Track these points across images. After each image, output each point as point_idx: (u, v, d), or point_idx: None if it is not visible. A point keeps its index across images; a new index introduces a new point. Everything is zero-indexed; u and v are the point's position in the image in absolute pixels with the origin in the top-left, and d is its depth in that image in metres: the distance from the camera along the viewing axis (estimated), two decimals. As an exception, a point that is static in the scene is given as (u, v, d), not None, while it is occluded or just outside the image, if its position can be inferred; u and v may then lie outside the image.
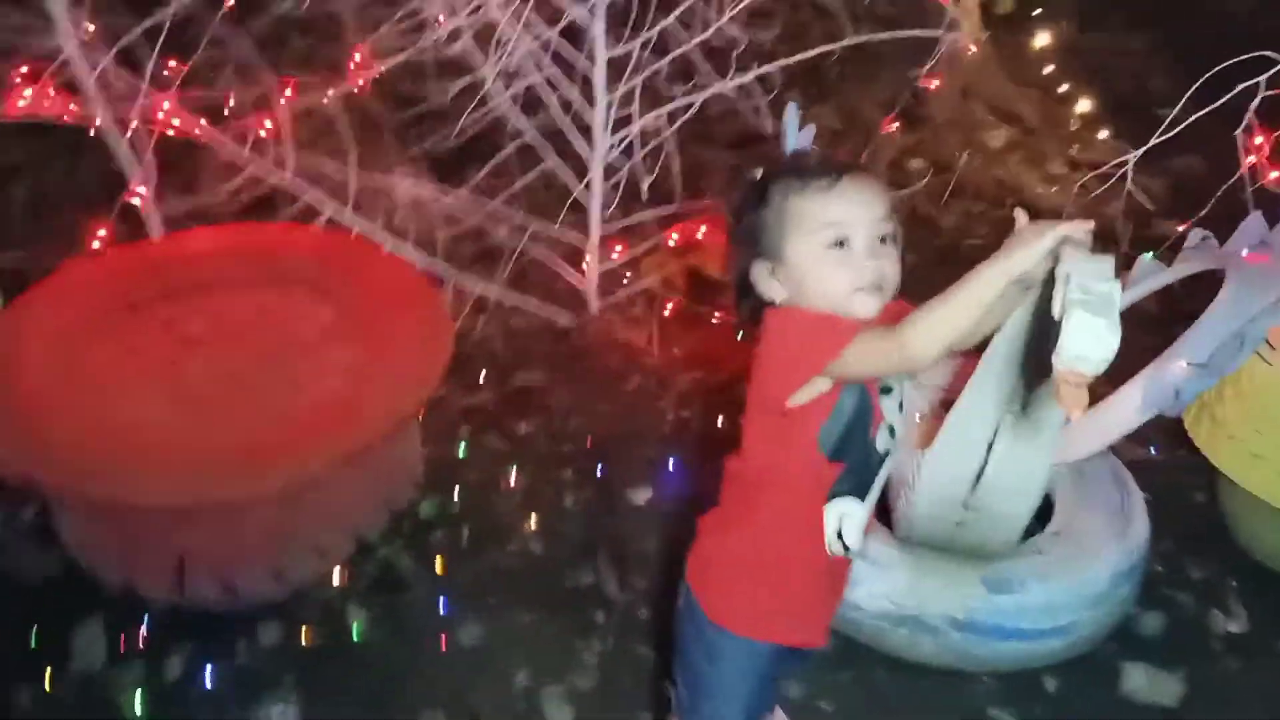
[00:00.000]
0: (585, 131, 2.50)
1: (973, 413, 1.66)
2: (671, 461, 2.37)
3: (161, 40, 2.10)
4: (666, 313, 2.83)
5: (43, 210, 2.73)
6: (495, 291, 2.76)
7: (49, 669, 1.86)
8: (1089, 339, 1.10)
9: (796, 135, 2.06)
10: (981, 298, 1.20)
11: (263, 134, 2.25)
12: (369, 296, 2.08)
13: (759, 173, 1.39)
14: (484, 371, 2.64)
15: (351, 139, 2.36)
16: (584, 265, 2.75)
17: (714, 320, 2.82)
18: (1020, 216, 1.25)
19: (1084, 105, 3.58)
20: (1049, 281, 1.21)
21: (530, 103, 2.55)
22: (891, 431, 1.42)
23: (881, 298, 1.35)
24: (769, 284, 1.36)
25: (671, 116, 2.37)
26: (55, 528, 2.04)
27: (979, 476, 1.72)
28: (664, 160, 2.48)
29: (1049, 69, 3.77)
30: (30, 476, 1.81)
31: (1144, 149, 2.17)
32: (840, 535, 1.40)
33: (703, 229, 2.74)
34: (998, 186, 3.48)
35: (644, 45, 2.23)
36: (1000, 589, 1.78)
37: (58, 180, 2.82)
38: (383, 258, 2.26)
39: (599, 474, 2.36)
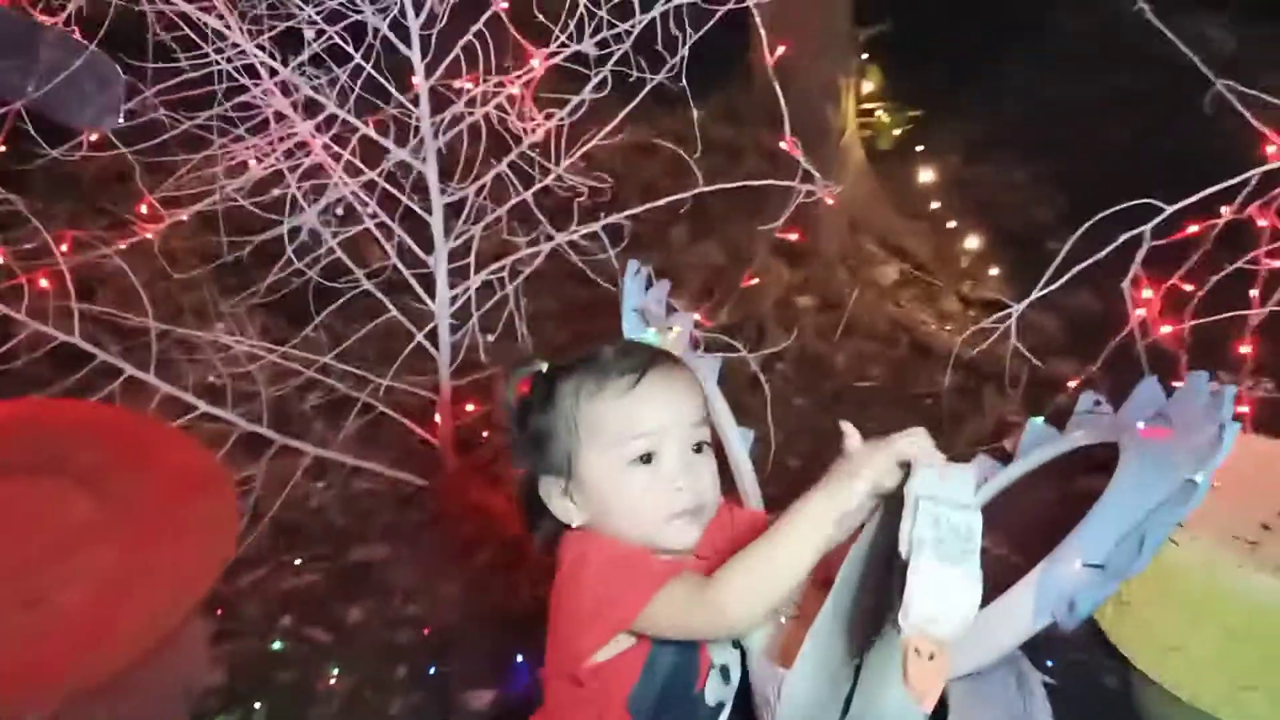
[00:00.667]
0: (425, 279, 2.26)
1: (834, 629, 1.40)
2: (519, 657, 2.07)
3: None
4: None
5: None
6: (334, 452, 2.46)
7: None
8: (940, 596, 0.85)
9: (639, 295, 1.83)
10: (808, 543, 0.96)
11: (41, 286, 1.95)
12: (142, 485, 1.77)
13: (542, 366, 1.14)
14: (315, 546, 2.33)
15: (144, 295, 2.07)
16: (435, 422, 2.48)
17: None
18: (850, 436, 1.02)
19: (973, 241, 3.47)
20: (898, 497, 0.97)
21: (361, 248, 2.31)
22: (725, 674, 1.15)
23: (700, 523, 1.10)
24: (562, 505, 1.11)
25: (514, 269, 2.14)
26: None
27: (848, 703, 1.45)
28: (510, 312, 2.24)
29: (935, 204, 3.67)
30: None
31: (1027, 301, 2.00)
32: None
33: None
34: (891, 324, 3.32)
35: (479, 192, 2.01)
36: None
37: None
38: (166, 436, 1.95)
39: (432, 673, 2.04)
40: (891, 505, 0.98)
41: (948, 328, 3.17)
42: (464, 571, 2.31)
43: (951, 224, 3.58)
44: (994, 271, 3.37)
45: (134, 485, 1.77)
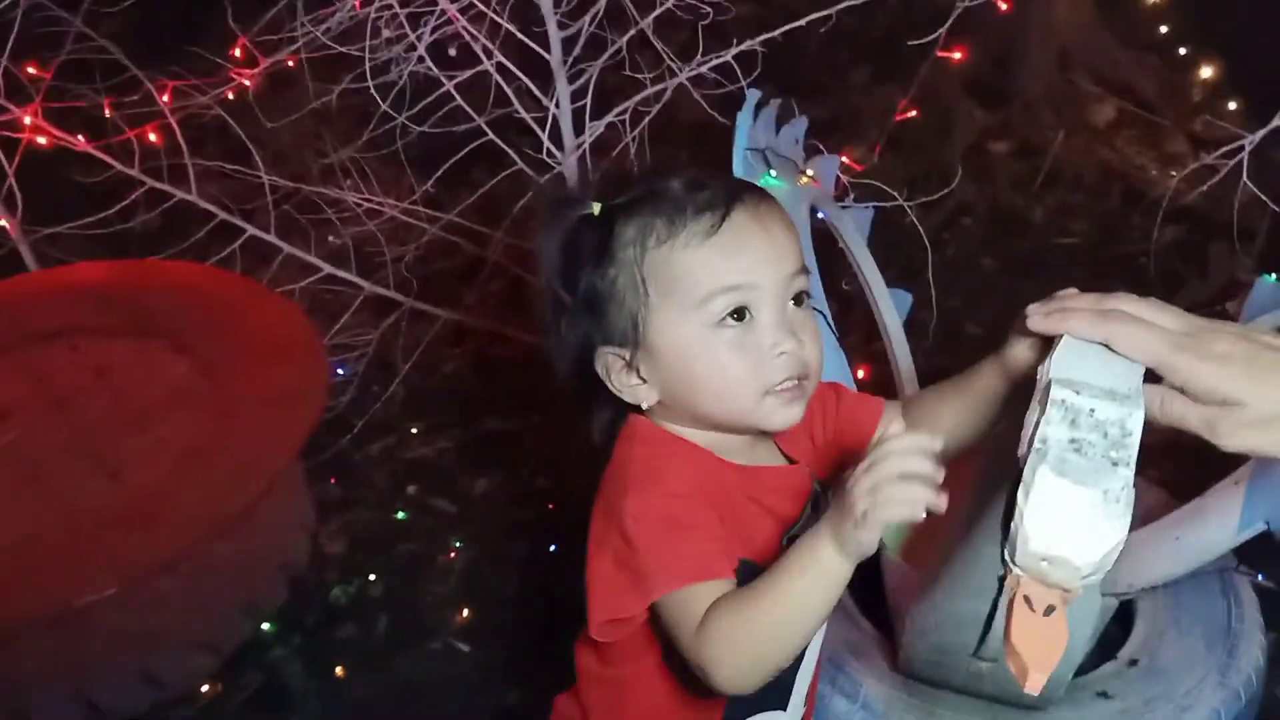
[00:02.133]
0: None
1: (981, 533, 1.14)
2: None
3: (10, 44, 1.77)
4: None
5: None
6: (466, 317, 2.34)
7: None
8: (1067, 524, 0.60)
9: (765, 133, 1.55)
10: (812, 598, 0.74)
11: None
12: (234, 349, 1.68)
13: (594, 206, 0.90)
14: (447, 415, 2.23)
15: (253, 150, 1.97)
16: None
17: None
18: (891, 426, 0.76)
19: (1208, 71, 2.92)
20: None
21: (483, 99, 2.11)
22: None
23: (805, 394, 0.87)
24: (627, 383, 0.89)
25: (636, 113, 1.89)
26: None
27: (989, 620, 1.20)
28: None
29: (1164, 29, 3.11)
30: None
31: (1265, 130, 1.59)
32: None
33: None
34: (1101, 172, 2.88)
35: (593, 19, 1.76)
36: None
37: None
38: (261, 298, 1.85)
39: (553, 551, 1.92)
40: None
41: (1171, 173, 2.70)
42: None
43: (1183, 51, 3.03)
44: (1233, 106, 2.83)
45: (226, 349, 1.69)
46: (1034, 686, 0.58)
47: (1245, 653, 1.43)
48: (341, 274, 2.17)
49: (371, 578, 1.87)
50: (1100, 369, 0.67)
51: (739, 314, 0.84)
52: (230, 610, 1.66)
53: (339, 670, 1.73)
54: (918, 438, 0.71)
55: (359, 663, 1.74)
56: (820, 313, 0.96)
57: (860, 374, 1.69)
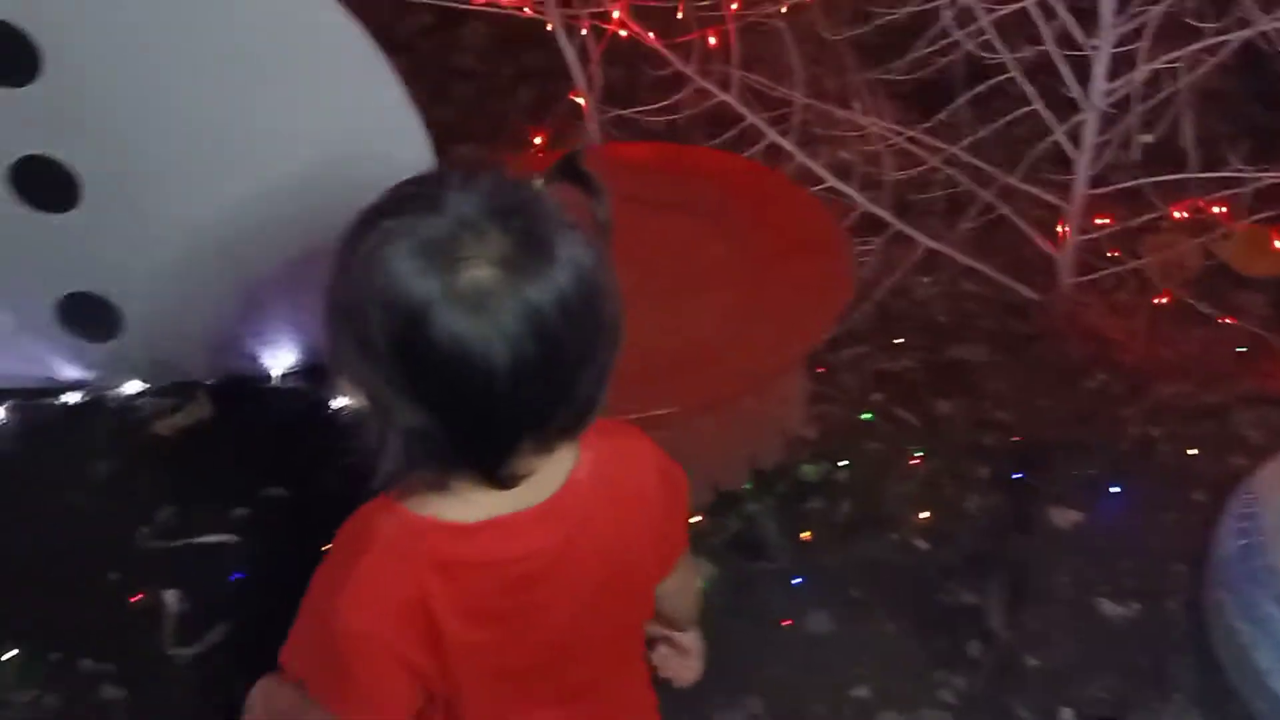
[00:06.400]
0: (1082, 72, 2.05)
1: None
2: (1119, 488, 1.91)
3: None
4: (1159, 304, 2.30)
5: (491, 109, 2.84)
6: (947, 248, 2.41)
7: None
8: None
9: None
10: None
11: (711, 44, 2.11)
12: (767, 235, 1.86)
13: None
14: (914, 336, 2.33)
15: (799, 61, 2.14)
16: (1060, 232, 2.31)
17: (1220, 324, 2.25)
18: None
19: None
20: None
21: (1016, 33, 2.15)
22: None
23: None
24: None
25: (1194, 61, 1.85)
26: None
27: None
28: (1176, 117, 1.96)
29: None
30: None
31: None
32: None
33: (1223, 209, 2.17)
34: None
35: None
36: None
37: (507, 82, 2.92)
38: (795, 196, 2.02)
39: (1018, 479, 1.97)
40: None
41: None
42: (1065, 392, 2.17)
43: None
44: None
45: (760, 234, 1.88)
46: None
47: None
48: (842, 187, 2.31)
49: (841, 464, 2.01)
50: None
51: None
52: (739, 459, 1.88)
53: (805, 535, 1.90)
54: None
55: (823, 533, 1.90)
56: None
57: None
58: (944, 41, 2.02)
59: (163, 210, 1.95)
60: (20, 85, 1.79)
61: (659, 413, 1.55)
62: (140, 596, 1.75)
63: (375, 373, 0.79)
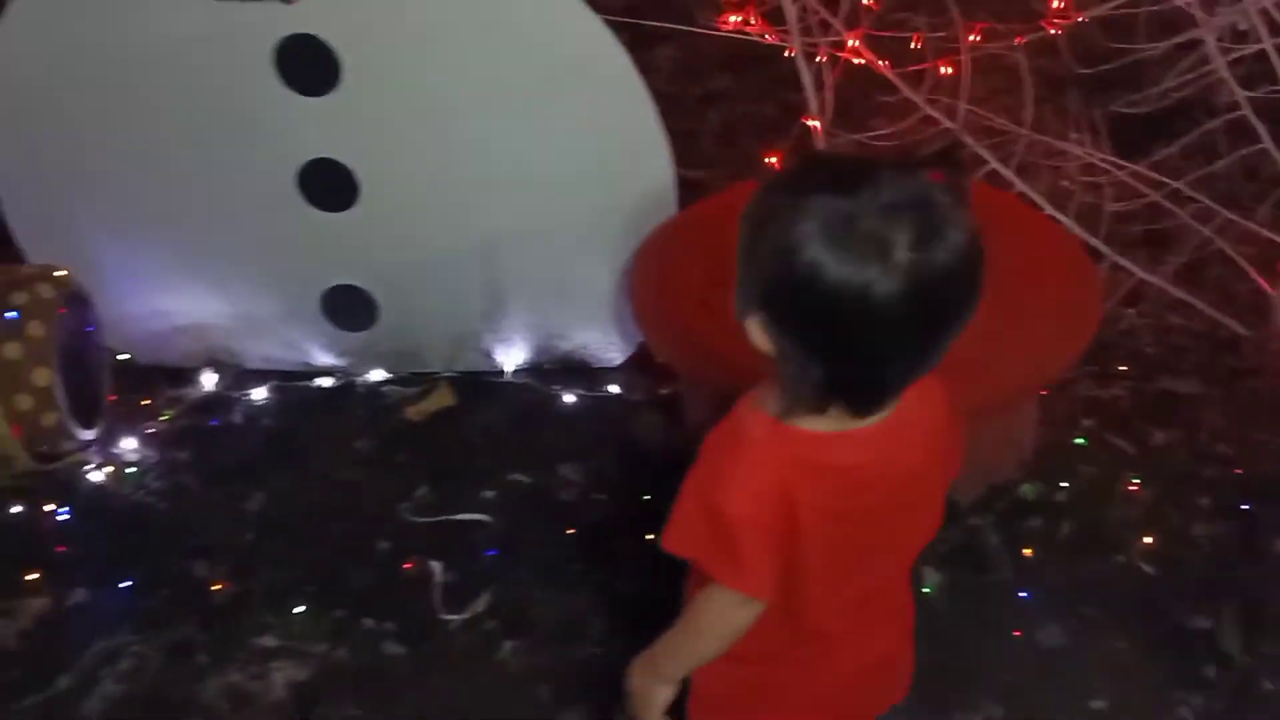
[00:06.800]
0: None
1: None
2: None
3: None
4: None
5: (731, 134, 2.96)
6: (1158, 281, 2.43)
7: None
8: None
9: None
10: None
11: (943, 74, 2.18)
12: (1014, 258, 1.92)
13: None
14: (1124, 365, 2.35)
15: (1030, 95, 2.20)
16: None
17: None
18: None
19: None
20: None
21: (1249, 74, 2.17)
22: None
23: None
24: None
25: None
26: (683, 408, 2.20)
27: None
28: None
29: None
30: (671, 361, 1.99)
31: None
32: None
33: None
34: None
35: None
36: None
37: (748, 107, 3.04)
38: (1037, 219, 2.08)
39: (1246, 509, 1.98)
40: None
41: None
42: (1284, 428, 2.17)
43: None
44: None
45: (1007, 257, 1.93)
46: None
47: None
48: (1060, 216, 2.36)
49: (1062, 484, 2.05)
50: None
51: None
52: (978, 473, 1.95)
53: (1026, 551, 1.94)
54: None
55: (1045, 551, 1.93)
56: None
57: None
58: (1180, 79, 2.06)
59: (430, 213, 2.11)
60: (319, 95, 1.97)
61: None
62: (410, 565, 1.89)
63: (791, 334, 0.95)
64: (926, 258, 0.90)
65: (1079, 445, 2.17)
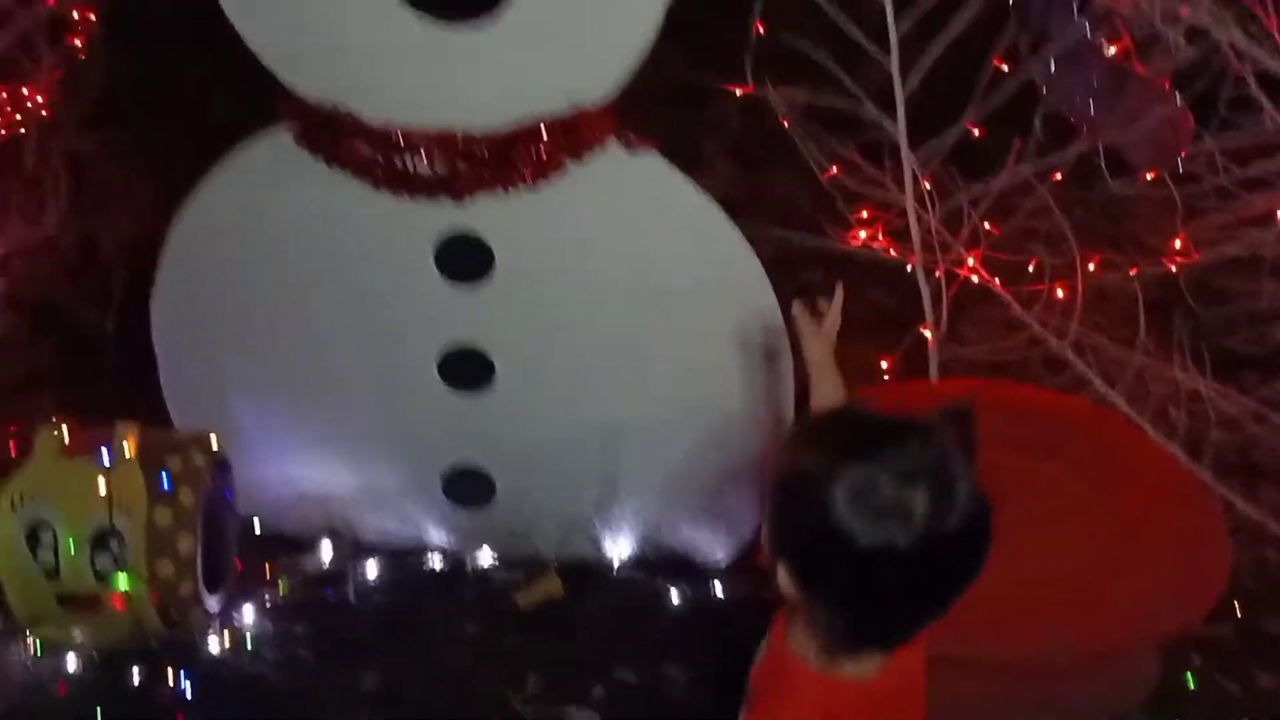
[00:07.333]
0: None
1: None
2: None
3: (985, 207, 2.25)
4: None
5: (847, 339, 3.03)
6: (1256, 512, 2.44)
7: None
8: None
9: None
10: None
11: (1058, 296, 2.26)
12: (1131, 484, 1.96)
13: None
14: (1225, 602, 2.34)
15: (1141, 322, 2.27)
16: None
17: None
18: None
19: None
20: None
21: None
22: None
23: None
24: None
25: None
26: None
27: None
28: None
29: None
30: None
31: None
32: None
33: None
34: None
35: None
36: None
37: (859, 312, 3.12)
38: (1149, 446, 2.12)
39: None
40: None
41: None
42: None
43: None
44: None
45: (1123, 482, 1.96)
46: None
47: None
48: (1167, 444, 2.39)
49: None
50: None
51: None
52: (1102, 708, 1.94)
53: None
54: None
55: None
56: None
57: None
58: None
59: (557, 402, 2.18)
60: (472, 282, 2.06)
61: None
62: (526, 756, 1.88)
63: (815, 586, 1.09)
64: (939, 525, 1.01)
65: (1185, 685, 2.14)
